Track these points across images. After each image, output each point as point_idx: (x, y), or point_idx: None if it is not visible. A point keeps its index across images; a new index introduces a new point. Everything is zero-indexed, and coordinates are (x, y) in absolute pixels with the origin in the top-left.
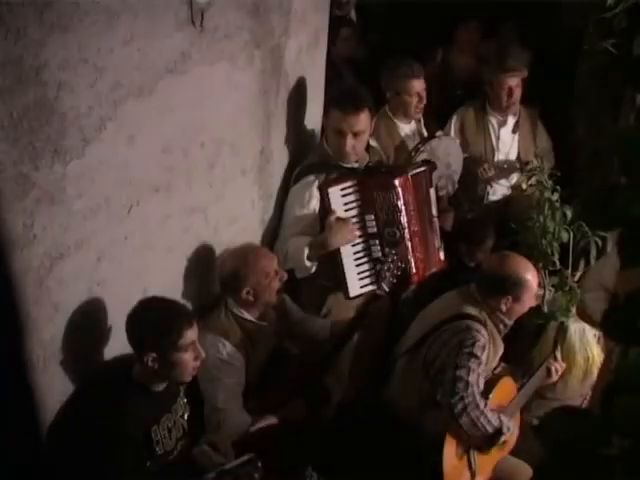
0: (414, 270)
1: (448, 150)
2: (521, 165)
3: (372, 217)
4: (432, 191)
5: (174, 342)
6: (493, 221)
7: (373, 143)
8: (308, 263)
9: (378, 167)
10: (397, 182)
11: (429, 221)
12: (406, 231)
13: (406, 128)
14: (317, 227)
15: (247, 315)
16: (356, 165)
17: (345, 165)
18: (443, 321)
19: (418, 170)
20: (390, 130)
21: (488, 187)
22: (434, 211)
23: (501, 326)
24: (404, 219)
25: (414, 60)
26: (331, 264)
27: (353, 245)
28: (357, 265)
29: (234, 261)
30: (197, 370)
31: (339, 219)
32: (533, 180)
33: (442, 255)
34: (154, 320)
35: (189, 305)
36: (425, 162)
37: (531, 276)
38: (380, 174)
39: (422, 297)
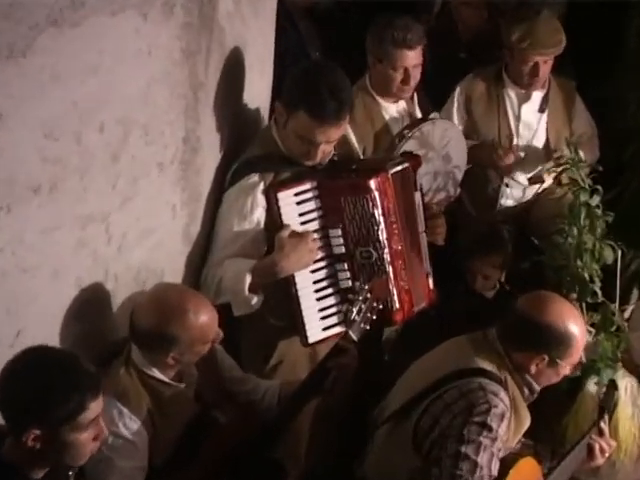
0: (397, 305)
1: (446, 138)
2: (550, 157)
3: (339, 232)
4: (418, 196)
5: (71, 418)
6: (508, 234)
7: None
8: (251, 296)
9: (347, 163)
10: (373, 183)
11: (415, 237)
12: (386, 251)
13: (392, 109)
14: (263, 246)
15: (159, 374)
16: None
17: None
18: (445, 377)
19: (401, 167)
20: (370, 111)
21: (503, 187)
22: (421, 224)
23: (526, 391)
24: (383, 235)
25: (414, 21)
26: (283, 297)
27: (313, 271)
28: (319, 298)
29: (161, 313)
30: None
31: (294, 234)
32: (565, 178)
33: (431, 283)
34: (43, 384)
35: (78, 352)
36: (406, 155)
37: (579, 332)
38: (350, 173)
39: (411, 342)
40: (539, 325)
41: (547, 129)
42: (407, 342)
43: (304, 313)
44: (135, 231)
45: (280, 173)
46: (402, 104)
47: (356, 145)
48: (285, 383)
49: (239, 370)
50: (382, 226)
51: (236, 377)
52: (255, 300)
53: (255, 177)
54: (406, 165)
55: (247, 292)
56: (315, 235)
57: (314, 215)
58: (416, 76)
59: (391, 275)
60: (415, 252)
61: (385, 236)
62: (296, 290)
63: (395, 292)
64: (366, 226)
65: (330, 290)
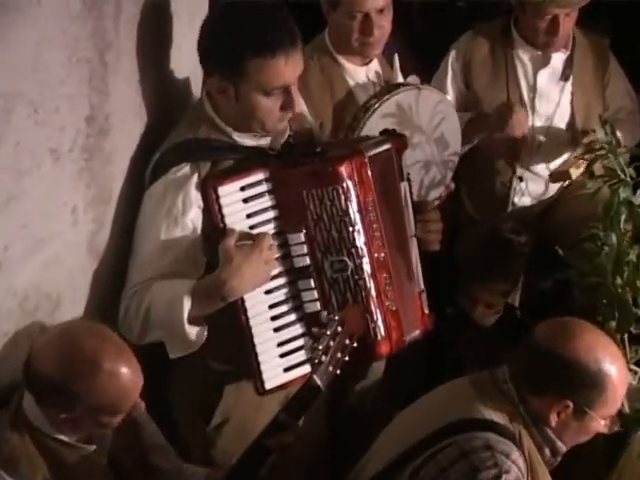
0: (382, 333)
1: (439, 114)
2: (576, 139)
3: (301, 237)
4: (405, 188)
5: None
6: (521, 246)
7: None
8: (191, 329)
9: (308, 145)
10: (344, 170)
11: (403, 242)
12: (365, 261)
13: (360, 74)
14: (202, 259)
15: (59, 434)
16: (265, 143)
17: (246, 143)
18: (441, 431)
19: (381, 148)
20: (330, 76)
21: (515, 181)
22: (410, 225)
23: (547, 451)
24: (360, 238)
25: None
26: (227, 330)
27: (268, 292)
28: (277, 329)
29: (67, 364)
30: None
31: (242, 241)
32: (599, 167)
33: (426, 306)
34: None
35: None
36: (388, 134)
37: (617, 372)
38: (312, 158)
39: (397, 386)
40: (562, 361)
41: (572, 103)
42: (392, 385)
43: (258, 350)
44: (21, 242)
45: (220, 162)
46: (375, 68)
47: (314, 122)
48: (213, 472)
49: (163, 440)
50: (359, 227)
51: (159, 448)
52: (196, 334)
53: (186, 168)
54: (388, 146)
55: (187, 324)
56: (270, 243)
57: (267, 216)
58: (382, 25)
59: (373, 292)
60: (403, 262)
61: (363, 240)
62: (247, 319)
63: (379, 315)
64: (337, 228)
65: (292, 317)
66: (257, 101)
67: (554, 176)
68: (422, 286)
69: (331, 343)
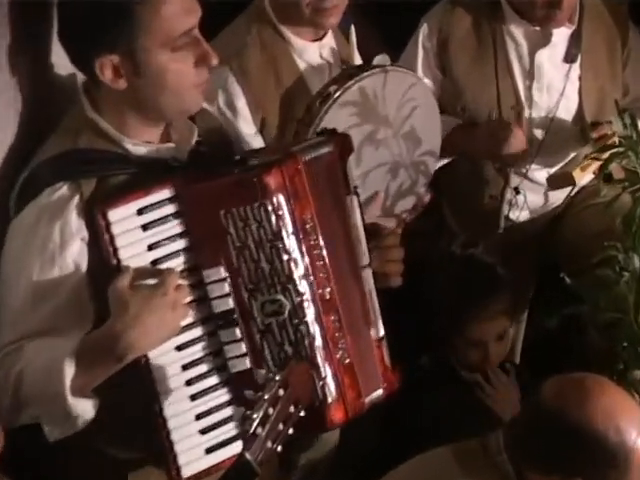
0: (333, 395)
1: (411, 102)
2: (586, 133)
3: (221, 273)
4: (352, 202)
5: None
6: (521, 267)
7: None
8: (76, 402)
9: (223, 152)
10: (273, 180)
11: (354, 275)
12: (306, 298)
13: (311, 51)
14: (88, 310)
15: None
16: (167, 153)
17: (141, 153)
18: None
19: (320, 151)
20: (273, 54)
21: (509, 192)
22: (363, 252)
23: None
24: (298, 269)
25: None
26: (129, 402)
27: (179, 348)
28: (194, 397)
29: None
30: None
31: (143, 276)
32: (617, 169)
33: (387, 355)
34: None
35: None
36: (328, 134)
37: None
38: (231, 167)
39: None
40: (574, 430)
41: (581, 90)
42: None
43: (170, 426)
44: None
45: (108, 178)
46: (329, 43)
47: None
48: None
49: None
50: (296, 254)
51: None
52: (83, 409)
53: (63, 188)
54: (329, 149)
55: (69, 395)
56: (180, 281)
57: (175, 246)
58: None
59: (319, 340)
60: (356, 300)
61: (302, 272)
62: (153, 384)
63: (328, 371)
64: (268, 257)
65: (214, 379)
66: (165, 62)
67: (552, 181)
68: (382, 331)
69: (270, 411)
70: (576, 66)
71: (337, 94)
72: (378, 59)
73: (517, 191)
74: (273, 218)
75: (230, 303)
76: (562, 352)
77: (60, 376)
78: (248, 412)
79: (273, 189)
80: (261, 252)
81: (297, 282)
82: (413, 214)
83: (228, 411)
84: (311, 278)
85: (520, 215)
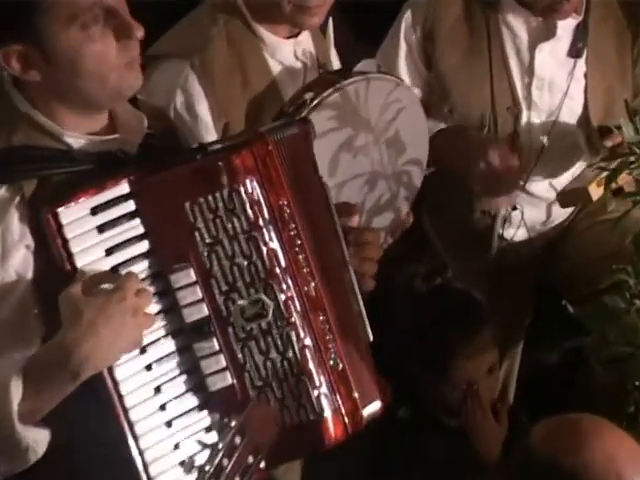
0: (331, 409)
1: (393, 107)
2: (592, 139)
3: (191, 276)
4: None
5: None
6: (515, 293)
7: None
8: (26, 432)
9: (178, 144)
10: (241, 162)
11: (339, 269)
12: (290, 295)
13: (285, 50)
14: (35, 324)
15: None
16: (114, 145)
17: (82, 145)
18: None
19: (288, 131)
20: (242, 53)
21: (504, 209)
22: (344, 254)
23: None
24: (280, 263)
25: None
26: (96, 430)
27: (149, 367)
28: (170, 422)
29: None
30: None
31: (99, 281)
32: (628, 181)
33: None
34: None
35: None
36: (288, 118)
37: None
38: (191, 154)
39: None
40: (570, 477)
41: (587, 89)
42: None
43: (148, 460)
44: None
45: (50, 178)
46: (305, 41)
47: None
48: None
49: None
50: (275, 245)
51: None
52: (34, 440)
53: (1, 191)
54: (295, 130)
55: (17, 423)
56: (141, 285)
57: (137, 249)
58: None
59: (308, 344)
60: (342, 297)
61: (284, 265)
62: (115, 410)
63: (322, 380)
64: (245, 251)
65: (192, 401)
66: (75, 43)
67: (565, 198)
68: (371, 336)
69: (225, 462)
70: (581, 62)
71: (314, 103)
72: (363, 64)
73: (513, 206)
74: (247, 205)
75: (204, 310)
76: (563, 391)
77: (5, 399)
78: (200, 463)
79: (244, 172)
80: (236, 246)
81: (280, 277)
82: (390, 239)
83: (212, 437)
84: (293, 272)
85: (516, 234)
